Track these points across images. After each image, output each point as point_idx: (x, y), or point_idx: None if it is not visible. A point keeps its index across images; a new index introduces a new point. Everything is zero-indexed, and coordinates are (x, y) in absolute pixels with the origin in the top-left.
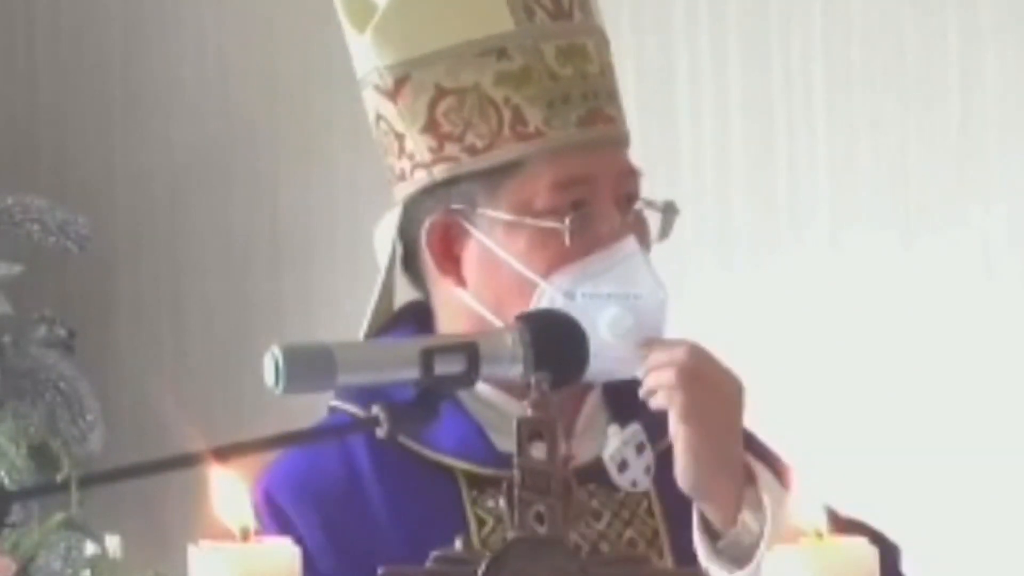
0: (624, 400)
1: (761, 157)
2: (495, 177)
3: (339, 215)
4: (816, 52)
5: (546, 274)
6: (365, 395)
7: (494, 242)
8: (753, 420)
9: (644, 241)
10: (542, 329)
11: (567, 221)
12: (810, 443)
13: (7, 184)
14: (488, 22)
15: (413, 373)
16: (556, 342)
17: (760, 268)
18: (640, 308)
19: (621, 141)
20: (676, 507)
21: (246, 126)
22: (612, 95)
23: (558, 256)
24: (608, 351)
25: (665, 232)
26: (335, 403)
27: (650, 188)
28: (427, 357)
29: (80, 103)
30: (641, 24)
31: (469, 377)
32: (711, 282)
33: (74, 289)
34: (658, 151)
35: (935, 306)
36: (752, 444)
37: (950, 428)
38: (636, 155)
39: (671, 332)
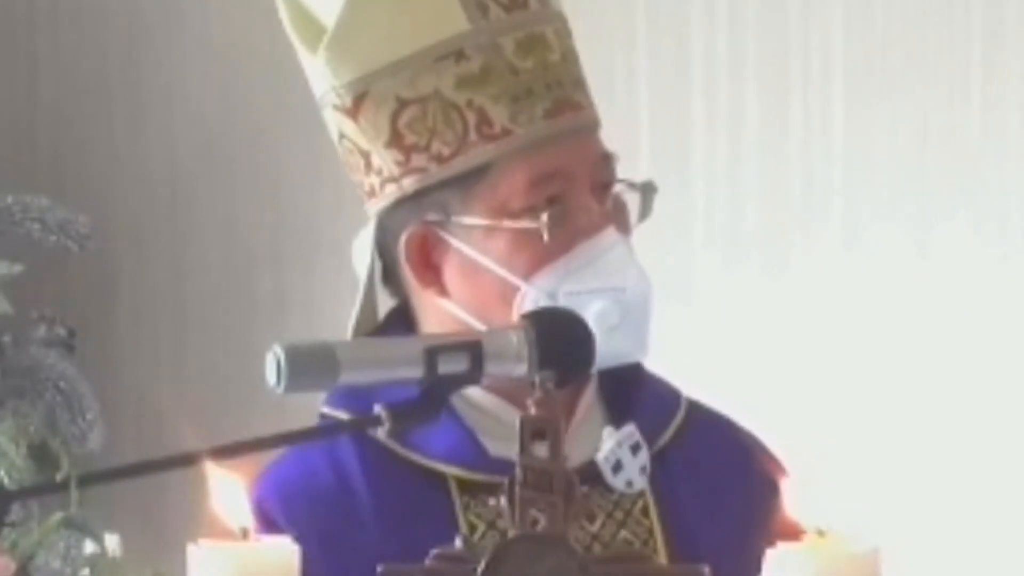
0: (620, 400)
1: (775, 154)
2: (466, 183)
3: (343, 213)
4: (836, 47)
5: (527, 275)
6: (355, 400)
7: (473, 249)
8: (766, 423)
9: (625, 225)
10: (547, 327)
11: (544, 218)
12: (824, 443)
13: (7, 183)
14: (442, 25)
15: (416, 372)
16: (561, 340)
17: (773, 267)
18: (625, 301)
19: (591, 127)
20: (672, 507)
21: (249, 124)
22: (577, 81)
23: (539, 256)
24: (597, 347)
25: (645, 213)
26: (325, 410)
27: (661, 188)
28: (431, 356)
29: (80, 101)
30: (656, 18)
31: (473, 376)
32: (722, 282)
33: (74, 288)
34: (671, 148)
35: (953, 306)
36: (751, 446)
37: (965, 428)
38: (648, 155)
39: (682, 333)
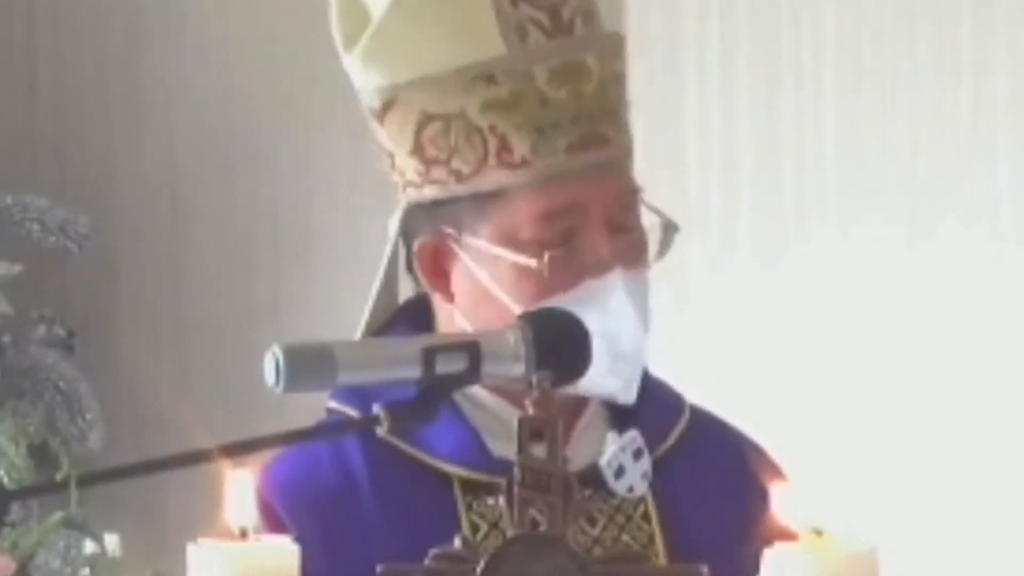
0: (624, 405)
1: (769, 154)
2: (482, 202)
3: (340, 213)
4: (827, 47)
5: (527, 306)
6: (362, 396)
7: (480, 268)
8: (761, 421)
9: (641, 261)
10: (544, 327)
11: (545, 258)
12: (819, 442)
13: (7, 183)
14: (478, 47)
15: (415, 372)
16: (558, 340)
17: (767, 266)
18: (617, 349)
19: (616, 162)
20: (673, 512)
21: (247, 125)
22: (610, 112)
23: (541, 288)
24: (584, 385)
25: (663, 252)
26: (333, 405)
27: (655, 185)
28: (429, 356)
29: (80, 102)
30: (648, 16)
31: (471, 376)
32: (718, 281)
33: (74, 289)
34: (664, 145)
35: (945, 303)
36: (751, 453)
37: (960, 425)
38: (641, 151)
39: (677, 332)
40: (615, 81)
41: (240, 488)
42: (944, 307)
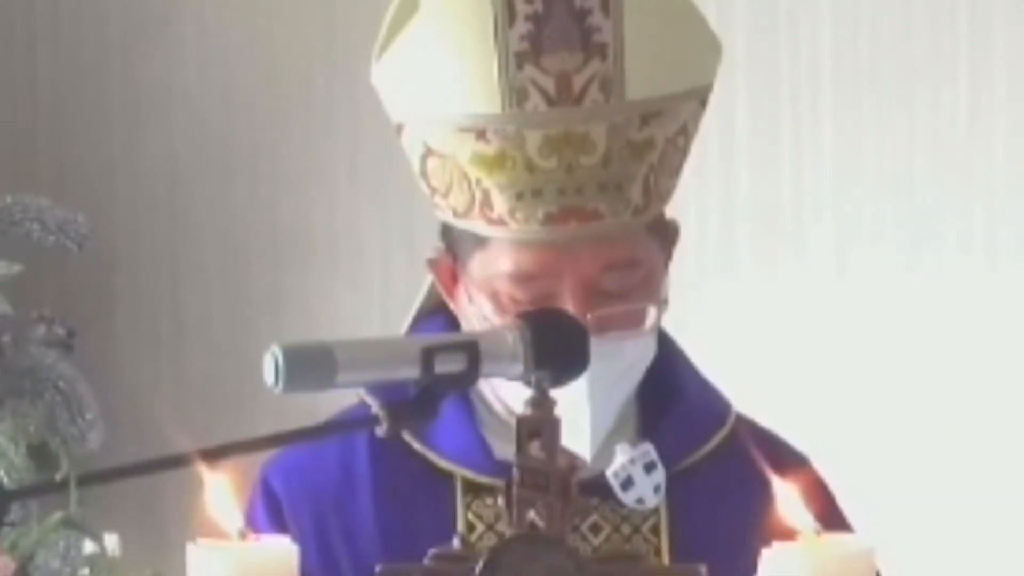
0: (654, 414)
1: (766, 171)
2: (473, 241)
3: (339, 213)
4: (824, 59)
5: None
6: (391, 388)
7: (467, 298)
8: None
9: (624, 328)
10: (543, 327)
11: (486, 323)
12: (814, 456)
13: (6, 183)
14: (474, 100)
15: (414, 372)
16: (557, 340)
17: (764, 278)
18: (565, 413)
19: (601, 237)
20: (686, 527)
21: (246, 125)
22: (612, 186)
23: None
24: None
25: (654, 326)
26: (362, 393)
27: None
28: (427, 356)
29: (79, 102)
30: None
31: (469, 376)
32: (714, 293)
33: (74, 288)
34: None
35: (941, 316)
36: (793, 471)
37: (956, 437)
38: None
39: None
40: (634, 151)
41: (219, 491)
42: (940, 321)
